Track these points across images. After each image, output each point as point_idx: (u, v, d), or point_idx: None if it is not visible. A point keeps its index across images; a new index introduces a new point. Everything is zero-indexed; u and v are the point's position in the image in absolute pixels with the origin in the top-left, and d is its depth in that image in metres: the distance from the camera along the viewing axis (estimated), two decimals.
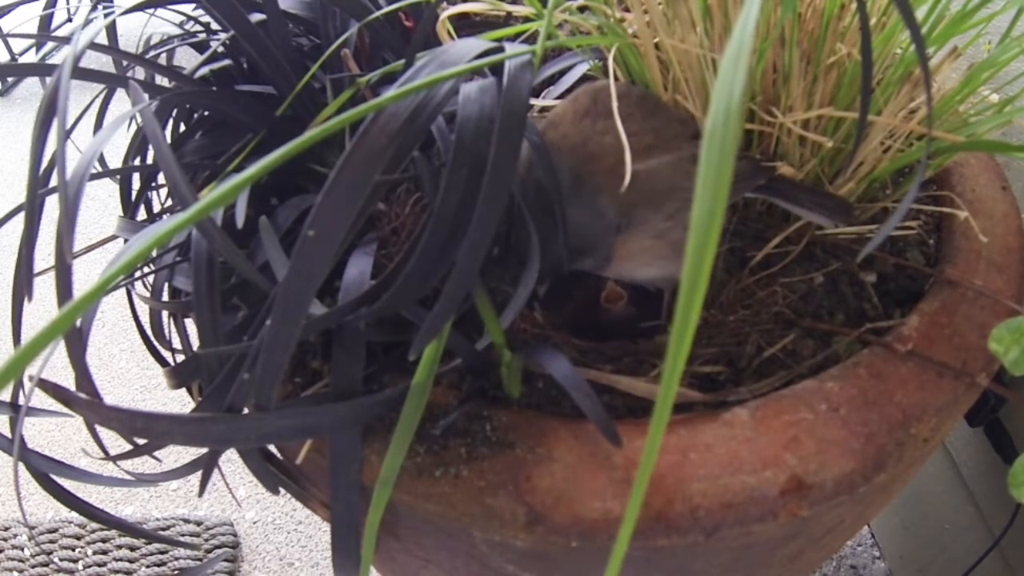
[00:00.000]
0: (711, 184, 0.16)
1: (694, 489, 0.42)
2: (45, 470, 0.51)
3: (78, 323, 0.48)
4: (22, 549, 1.07)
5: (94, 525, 1.07)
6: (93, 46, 0.49)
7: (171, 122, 0.62)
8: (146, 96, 0.49)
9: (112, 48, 0.57)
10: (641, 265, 0.52)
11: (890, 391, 0.46)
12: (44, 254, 1.35)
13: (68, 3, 0.93)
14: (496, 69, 0.39)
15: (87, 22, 0.50)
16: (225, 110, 0.57)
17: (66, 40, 0.56)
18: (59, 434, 1.22)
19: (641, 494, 0.18)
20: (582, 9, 0.57)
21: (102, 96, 0.66)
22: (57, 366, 0.48)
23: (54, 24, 0.88)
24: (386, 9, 0.55)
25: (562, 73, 0.63)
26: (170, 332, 0.62)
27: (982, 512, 0.78)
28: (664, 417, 0.17)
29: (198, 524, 1.07)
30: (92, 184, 0.46)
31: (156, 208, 0.65)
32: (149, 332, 0.62)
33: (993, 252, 0.54)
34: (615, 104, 0.45)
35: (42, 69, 0.55)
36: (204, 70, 0.59)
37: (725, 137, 0.16)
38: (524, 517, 0.42)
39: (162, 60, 0.62)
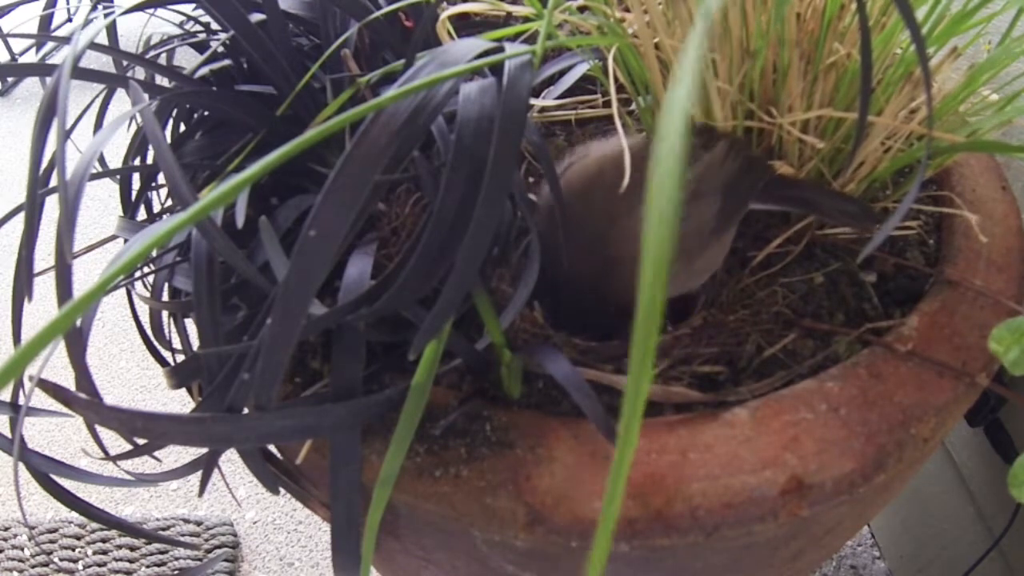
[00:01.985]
0: (664, 188, 0.16)
1: (694, 489, 0.42)
2: (45, 470, 0.51)
3: (78, 323, 0.48)
4: (22, 549, 1.07)
5: (94, 525, 1.07)
6: (93, 46, 0.49)
7: (171, 122, 0.62)
8: (146, 96, 0.49)
9: (112, 48, 0.57)
10: None
11: (890, 391, 0.46)
12: (44, 254, 1.35)
13: (68, 3, 0.93)
14: (496, 69, 0.39)
15: (87, 22, 0.50)
16: (225, 110, 0.57)
17: (66, 40, 0.56)
18: (59, 434, 1.22)
19: (621, 489, 0.17)
20: (582, 9, 0.57)
21: (102, 96, 0.66)
22: (57, 366, 0.48)
23: (54, 24, 0.88)
24: (386, 9, 0.55)
25: (562, 73, 0.63)
26: (170, 332, 0.62)
27: (982, 512, 0.78)
28: (638, 410, 0.17)
29: (198, 524, 1.07)
30: (92, 184, 0.46)
31: (156, 208, 0.65)
32: (149, 332, 0.62)
33: (993, 252, 0.54)
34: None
35: (42, 69, 0.55)
36: (204, 70, 0.59)
37: (677, 139, 0.16)
38: (524, 517, 0.42)
39: (162, 60, 0.62)
